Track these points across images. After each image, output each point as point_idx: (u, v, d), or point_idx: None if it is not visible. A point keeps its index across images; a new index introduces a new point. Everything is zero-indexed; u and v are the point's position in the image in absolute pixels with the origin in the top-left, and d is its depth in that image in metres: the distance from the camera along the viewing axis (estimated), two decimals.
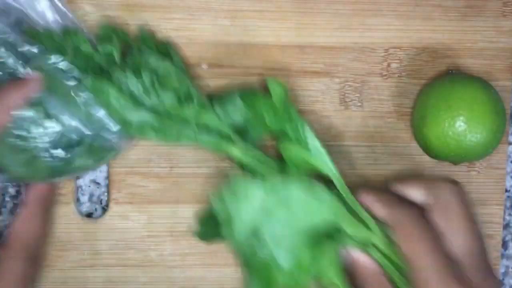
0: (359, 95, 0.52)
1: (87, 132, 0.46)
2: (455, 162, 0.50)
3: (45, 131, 0.46)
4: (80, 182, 0.52)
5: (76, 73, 0.46)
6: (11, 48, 0.46)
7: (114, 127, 0.46)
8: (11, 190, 0.52)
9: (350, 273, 0.46)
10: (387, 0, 0.51)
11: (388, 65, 0.52)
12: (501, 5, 0.52)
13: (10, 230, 0.47)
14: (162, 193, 0.51)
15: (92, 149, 0.47)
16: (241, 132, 0.47)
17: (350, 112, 0.52)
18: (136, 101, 0.45)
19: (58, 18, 0.47)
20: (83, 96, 0.46)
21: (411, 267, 0.43)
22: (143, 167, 0.51)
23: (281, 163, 0.48)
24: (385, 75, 0.52)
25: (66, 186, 0.51)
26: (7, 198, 0.52)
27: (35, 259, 0.48)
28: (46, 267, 0.51)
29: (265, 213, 0.44)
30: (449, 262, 0.43)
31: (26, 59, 0.46)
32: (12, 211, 0.52)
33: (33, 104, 0.45)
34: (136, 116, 0.45)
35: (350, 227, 0.45)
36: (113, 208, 0.51)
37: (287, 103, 0.47)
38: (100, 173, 0.52)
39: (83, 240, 0.51)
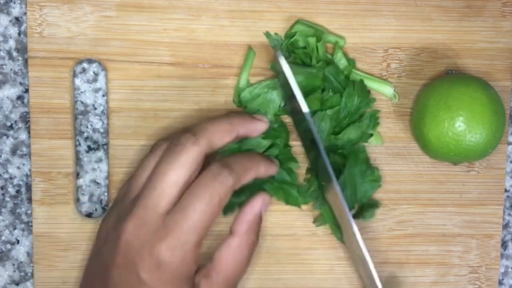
0: None
1: None
2: (454, 162, 0.51)
3: None
4: (80, 182, 0.52)
5: None
6: None
7: None
8: (11, 190, 0.52)
9: None
10: (387, 0, 0.51)
11: (388, 65, 0.52)
12: (501, 5, 0.52)
13: (216, 258, 0.44)
14: None
15: None
16: None
17: None
18: None
19: None
20: None
21: None
22: None
23: None
24: (385, 75, 0.52)
25: (66, 186, 0.51)
26: (7, 198, 0.52)
27: None
28: (46, 267, 0.51)
29: None
30: None
31: None
32: (13, 211, 0.52)
33: None
34: None
35: None
36: None
37: None
38: (100, 173, 0.52)
39: (83, 240, 0.51)
